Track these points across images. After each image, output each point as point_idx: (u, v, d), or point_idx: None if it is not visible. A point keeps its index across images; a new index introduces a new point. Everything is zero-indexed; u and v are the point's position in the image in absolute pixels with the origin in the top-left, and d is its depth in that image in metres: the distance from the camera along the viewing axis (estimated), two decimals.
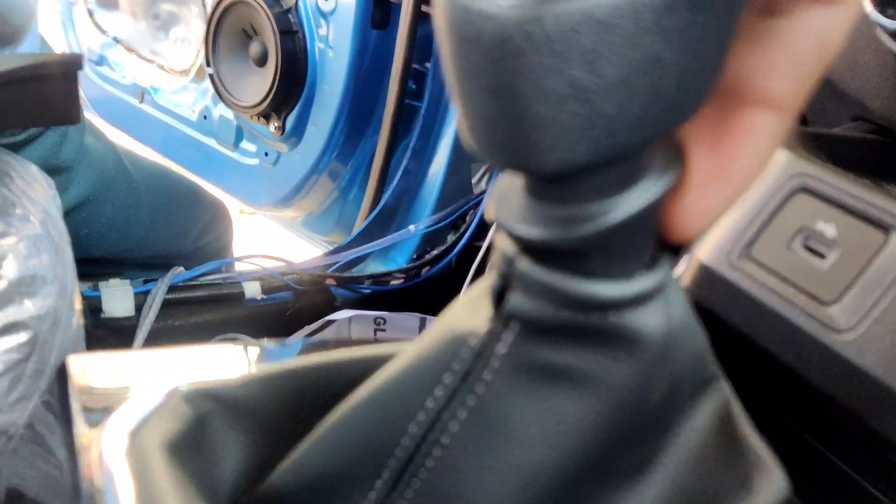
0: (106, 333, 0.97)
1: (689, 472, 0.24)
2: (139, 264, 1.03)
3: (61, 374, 0.32)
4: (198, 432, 0.31)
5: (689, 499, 0.24)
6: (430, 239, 1.11)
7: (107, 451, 0.28)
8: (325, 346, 1.02)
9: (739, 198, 0.20)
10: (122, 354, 0.34)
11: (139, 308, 0.98)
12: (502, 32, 0.16)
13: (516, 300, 0.21)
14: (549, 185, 0.19)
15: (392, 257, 1.15)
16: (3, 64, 0.63)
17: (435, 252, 1.10)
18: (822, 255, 0.37)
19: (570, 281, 0.20)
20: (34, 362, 0.47)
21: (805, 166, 0.39)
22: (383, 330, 1.08)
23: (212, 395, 0.32)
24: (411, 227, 1.11)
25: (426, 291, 1.10)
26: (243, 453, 0.32)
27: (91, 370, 0.33)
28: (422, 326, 1.08)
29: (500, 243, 0.22)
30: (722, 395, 0.24)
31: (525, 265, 0.21)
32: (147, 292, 0.99)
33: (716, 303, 0.39)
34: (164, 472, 0.28)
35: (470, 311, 0.23)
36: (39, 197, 0.65)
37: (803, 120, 0.66)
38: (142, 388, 0.31)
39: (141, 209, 0.98)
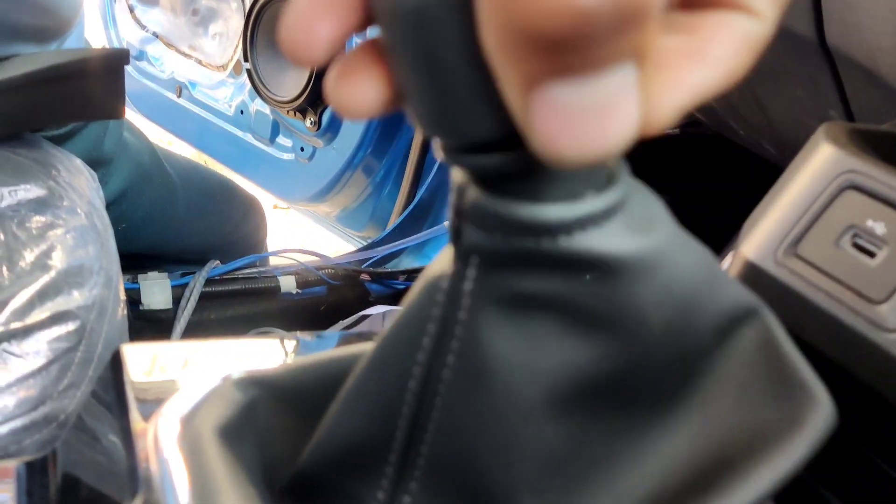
0: (144, 325, 0.98)
1: (730, 402, 0.23)
2: (175, 258, 1.04)
3: (115, 363, 0.33)
4: (247, 417, 0.32)
5: (731, 430, 0.23)
6: None
7: (162, 436, 0.29)
8: (362, 337, 1.02)
9: (719, 87, 0.19)
10: (174, 344, 0.35)
11: (177, 300, 1.00)
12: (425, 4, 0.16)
13: (469, 234, 0.21)
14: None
15: (426, 253, 1.15)
16: (51, 59, 0.64)
17: None
18: (871, 254, 0.36)
19: (514, 206, 0.19)
20: (82, 351, 0.48)
21: (853, 163, 0.39)
22: None
23: (261, 382, 0.32)
24: (446, 222, 1.11)
25: None
26: (289, 437, 0.33)
27: (144, 359, 0.33)
28: None
29: (453, 176, 0.21)
30: (763, 324, 0.24)
31: (473, 195, 0.20)
32: (184, 285, 1.00)
33: (762, 300, 0.39)
34: (216, 455, 0.29)
35: (442, 254, 0.23)
36: (84, 189, 0.66)
37: (850, 116, 0.65)
38: (194, 377, 0.31)
39: (176, 203, 1.00)
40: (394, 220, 1.20)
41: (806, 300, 0.37)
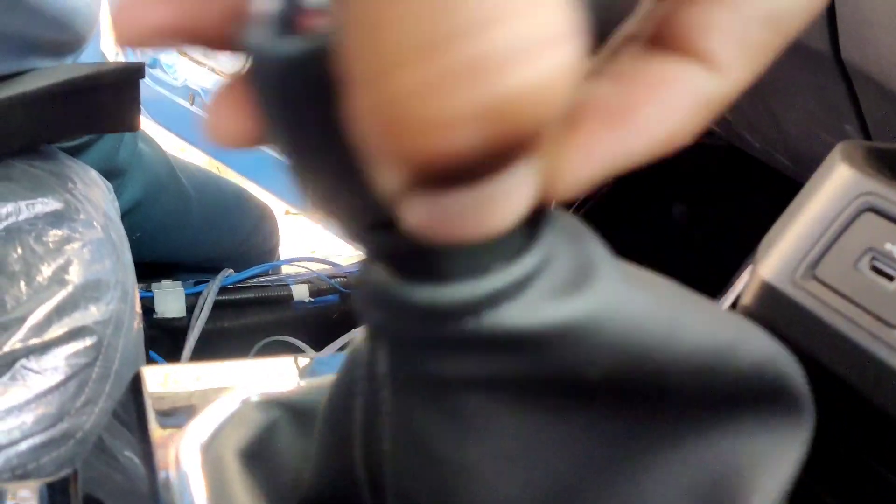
0: (157, 333, 0.99)
1: (711, 445, 0.21)
2: (188, 267, 1.05)
3: (135, 385, 0.33)
4: (268, 439, 0.32)
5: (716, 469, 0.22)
6: None
7: (184, 458, 0.29)
8: None
9: (645, 156, 0.16)
10: (193, 366, 0.35)
11: (190, 309, 1.00)
12: (291, 72, 0.14)
13: (374, 316, 0.19)
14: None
15: None
16: (68, 72, 0.65)
17: None
18: (890, 277, 0.36)
19: (413, 289, 0.17)
20: (99, 366, 0.49)
21: (872, 185, 0.38)
22: None
23: (281, 403, 0.33)
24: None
25: None
26: (308, 457, 0.33)
27: (163, 380, 0.34)
28: None
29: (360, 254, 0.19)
30: (749, 356, 0.21)
31: (375, 275, 0.18)
32: (198, 293, 1.01)
33: (779, 322, 0.39)
34: (237, 478, 0.29)
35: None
36: (100, 201, 0.66)
37: (865, 130, 0.65)
38: (214, 399, 0.31)
39: (190, 212, 1.00)
40: None
41: (823, 323, 0.37)
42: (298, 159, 0.16)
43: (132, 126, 0.68)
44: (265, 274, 1.08)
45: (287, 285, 1.06)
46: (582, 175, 0.16)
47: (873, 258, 0.36)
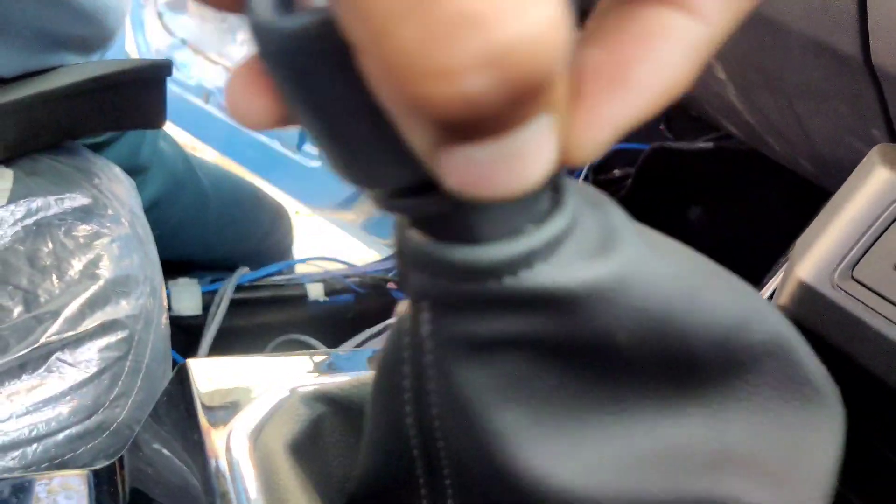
0: (173, 331, 0.99)
1: (743, 412, 0.23)
2: (205, 265, 1.05)
3: (180, 376, 0.33)
4: (314, 433, 0.32)
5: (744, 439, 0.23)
6: None
7: (235, 450, 0.29)
8: None
9: (650, 111, 0.17)
10: (238, 359, 0.35)
11: (206, 307, 1.00)
12: (290, 48, 0.15)
13: (415, 279, 0.20)
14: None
15: None
16: (96, 69, 0.65)
17: None
18: None
19: (453, 250, 0.18)
20: (131, 360, 0.49)
21: None
22: None
23: (326, 397, 0.33)
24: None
25: None
26: (354, 452, 0.33)
27: (209, 373, 0.34)
28: None
29: (395, 223, 0.20)
30: (766, 332, 0.22)
31: (414, 238, 0.19)
32: (214, 292, 1.01)
33: (817, 322, 0.39)
34: (287, 471, 0.29)
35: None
36: (125, 197, 0.66)
37: (893, 135, 0.65)
38: (262, 391, 0.32)
39: (208, 211, 1.00)
40: None
41: (863, 323, 0.37)
42: (323, 131, 0.16)
43: (158, 123, 0.68)
44: (280, 273, 1.08)
45: (302, 284, 1.07)
46: (596, 139, 0.17)
47: None
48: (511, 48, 0.12)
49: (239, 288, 1.02)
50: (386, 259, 1.14)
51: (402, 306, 0.22)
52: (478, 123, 0.13)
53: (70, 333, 0.48)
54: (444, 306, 0.20)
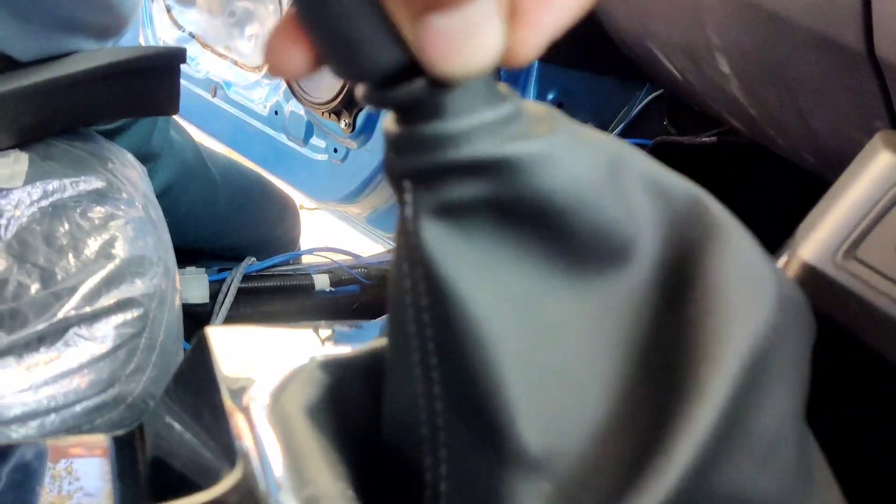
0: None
1: (661, 257, 0.27)
2: (213, 255, 1.06)
3: (200, 344, 0.34)
4: (332, 398, 0.33)
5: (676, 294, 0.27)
6: None
7: (255, 414, 0.30)
8: None
9: (571, 20, 0.22)
10: (258, 328, 0.36)
11: (213, 295, 1.01)
12: None
13: (398, 162, 0.24)
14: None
15: None
16: (111, 56, 0.66)
17: None
18: None
19: (423, 126, 0.23)
20: (146, 337, 0.50)
21: None
22: None
23: (343, 363, 0.34)
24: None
25: None
26: (372, 416, 0.34)
27: (230, 341, 0.35)
28: None
29: (383, 125, 0.25)
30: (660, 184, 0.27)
31: (396, 128, 0.24)
32: (221, 280, 1.02)
33: (821, 302, 0.40)
34: (305, 434, 0.30)
35: None
36: (138, 182, 0.67)
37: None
38: (281, 358, 0.33)
39: (217, 200, 1.01)
40: None
41: (866, 303, 0.38)
42: (334, 38, 0.22)
43: (171, 110, 0.69)
44: (287, 263, 1.09)
45: (308, 274, 1.07)
46: (532, 43, 0.22)
47: None
48: None
49: (246, 277, 1.03)
50: (390, 251, 1.15)
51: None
52: None
53: (87, 309, 0.49)
54: (419, 180, 0.24)
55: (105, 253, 0.53)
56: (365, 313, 1.07)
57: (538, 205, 0.25)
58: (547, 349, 0.26)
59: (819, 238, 0.41)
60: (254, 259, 1.05)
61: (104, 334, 0.49)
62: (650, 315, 0.27)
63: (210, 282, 1.02)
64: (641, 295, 0.27)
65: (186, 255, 1.04)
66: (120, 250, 0.53)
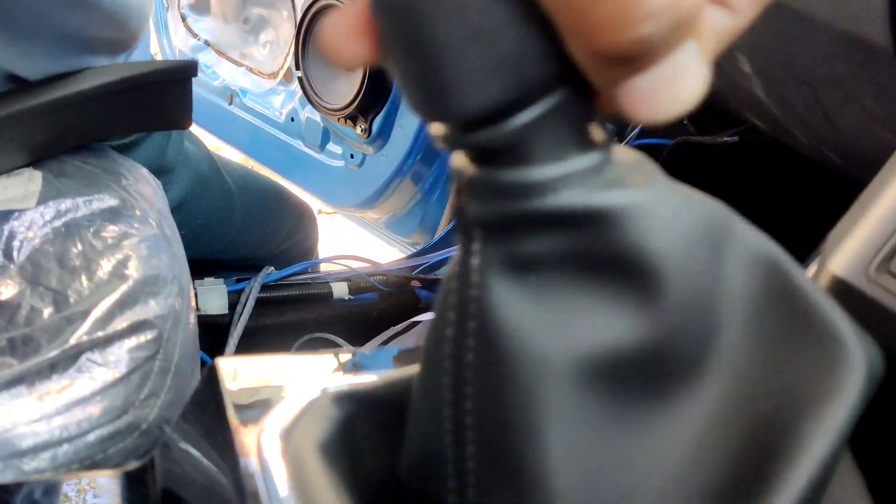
0: (200, 330, 0.99)
1: (757, 354, 0.24)
2: (230, 265, 1.06)
3: (210, 376, 0.33)
4: (344, 433, 0.32)
5: (763, 384, 0.23)
6: None
7: (266, 451, 0.29)
8: (418, 352, 1.03)
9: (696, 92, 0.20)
10: (266, 358, 0.35)
11: (232, 306, 1.01)
12: None
13: (469, 208, 0.22)
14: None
15: None
16: (122, 71, 0.66)
17: None
18: None
19: (504, 172, 0.21)
20: (160, 360, 0.49)
21: None
22: None
23: (356, 397, 0.33)
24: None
25: None
26: (384, 452, 0.33)
27: (240, 372, 0.34)
28: None
29: (452, 162, 0.23)
30: (782, 269, 0.24)
31: (469, 172, 0.22)
32: (240, 291, 1.01)
33: (853, 317, 0.38)
34: (319, 472, 0.29)
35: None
36: (153, 198, 0.67)
37: None
38: (291, 391, 0.32)
39: (233, 211, 1.01)
40: (443, 227, 1.21)
41: None
42: (424, 63, 0.19)
43: (183, 123, 0.69)
44: (305, 272, 1.08)
45: (327, 283, 1.07)
46: (657, 112, 0.20)
47: None
48: (677, 2, 0.17)
49: (265, 287, 1.02)
50: (410, 257, 1.14)
51: (447, 269, 0.24)
52: (646, 55, 0.18)
53: (100, 334, 0.48)
54: (493, 229, 0.22)
55: (118, 273, 0.52)
56: (384, 321, 1.06)
57: (627, 262, 0.22)
58: (607, 450, 0.23)
59: (850, 250, 0.39)
60: (272, 269, 1.05)
61: (117, 359, 0.48)
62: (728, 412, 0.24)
63: (228, 292, 1.02)
64: (715, 400, 0.24)
65: (204, 266, 1.04)
66: (133, 270, 0.53)
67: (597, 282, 0.23)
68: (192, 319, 0.57)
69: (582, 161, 0.21)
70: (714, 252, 0.23)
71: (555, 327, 0.23)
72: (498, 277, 0.22)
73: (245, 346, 0.97)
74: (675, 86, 0.19)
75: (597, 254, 0.22)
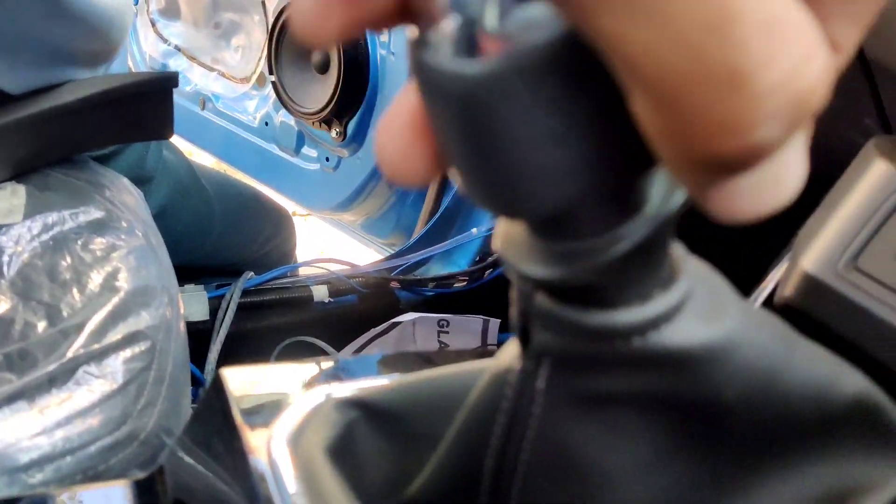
0: None
1: (829, 467, 0.24)
2: (210, 271, 1.06)
3: (216, 385, 0.34)
4: (348, 439, 0.33)
5: (830, 487, 0.24)
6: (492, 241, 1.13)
7: (277, 457, 0.31)
8: (401, 357, 1.04)
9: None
10: (272, 366, 0.36)
11: (213, 312, 1.01)
12: (475, 91, 0.16)
13: (541, 337, 0.21)
14: (548, 226, 0.19)
15: (454, 260, 1.17)
16: (103, 84, 0.66)
17: (496, 255, 1.12)
18: None
19: (587, 314, 0.20)
20: (155, 370, 0.50)
21: None
22: (447, 332, 1.10)
23: (358, 403, 0.34)
24: (474, 230, 1.12)
25: (489, 293, 1.12)
26: (386, 458, 0.34)
27: (245, 382, 0.35)
28: (485, 329, 1.09)
29: (514, 279, 0.21)
30: (860, 391, 0.24)
31: (542, 301, 0.21)
32: (220, 297, 1.02)
33: (823, 313, 0.41)
34: (329, 476, 0.30)
35: (507, 347, 0.24)
36: (136, 208, 0.67)
37: (885, 123, 0.66)
38: (297, 397, 0.33)
39: (212, 217, 1.01)
40: (420, 228, 1.22)
41: (869, 313, 0.39)
42: (492, 169, 0.18)
43: (166, 134, 0.69)
44: (285, 276, 1.09)
45: (307, 286, 1.08)
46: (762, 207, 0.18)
47: None
48: (802, 101, 0.14)
49: (245, 292, 1.03)
50: (388, 259, 1.15)
51: (503, 359, 0.23)
52: (757, 159, 0.15)
53: (95, 346, 0.49)
54: (565, 363, 0.22)
55: (109, 286, 0.53)
56: (364, 322, 1.07)
57: (704, 402, 0.21)
58: None
59: (820, 248, 0.41)
60: (252, 273, 1.05)
61: (114, 370, 0.49)
62: None
63: (209, 298, 1.02)
64: None
65: (184, 272, 1.04)
66: (124, 282, 0.53)
67: (663, 418, 0.22)
68: (182, 328, 0.58)
69: (666, 299, 0.20)
70: (780, 379, 0.22)
71: (619, 448, 0.22)
72: (564, 405, 0.22)
73: (227, 352, 0.98)
74: (779, 183, 0.16)
75: (670, 395, 0.21)
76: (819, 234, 0.43)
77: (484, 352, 1.08)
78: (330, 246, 1.67)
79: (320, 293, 1.08)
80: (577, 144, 0.17)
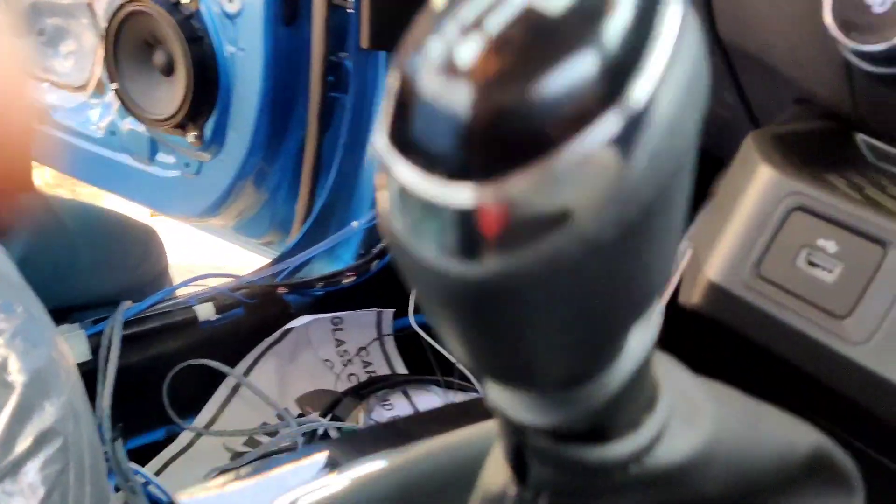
0: None
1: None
2: (85, 307, 1.00)
3: None
4: None
5: None
6: (375, 232, 1.12)
7: None
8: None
9: None
10: (227, 488, 0.35)
11: (95, 350, 0.96)
12: (484, 292, 0.15)
13: (539, 473, 0.22)
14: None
15: (338, 255, 1.15)
16: None
17: (381, 245, 1.11)
18: (828, 270, 0.41)
19: (585, 450, 0.21)
20: (73, 468, 0.46)
21: (795, 185, 0.43)
22: (341, 329, 1.09)
23: None
24: (354, 223, 1.11)
25: (379, 285, 1.11)
26: None
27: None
28: (379, 321, 1.09)
29: (505, 423, 0.22)
30: (816, 448, 0.26)
31: (539, 440, 0.21)
32: (100, 333, 0.96)
33: (732, 320, 0.43)
34: None
35: (496, 466, 0.24)
36: (5, 271, 0.62)
37: (742, 95, 0.70)
38: None
39: (78, 254, 0.95)
40: (298, 227, 1.19)
41: (775, 319, 0.41)
42: (503, 354, 0.18)
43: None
44: (165, 299, 1.04)
45: (190, 307, 1.03)
46: None
47: (809, 254, 0.41)
48: None
49: (126, 323, 0.98)
50: (272, 264, 1.12)
51: (495, 478, 0.24)
52: None
53: (8, 460, 0.45)
54: (563, 494, 0.22)
55: (2, 382, 0.49)
56: (256, 335, 1.04)
57: (691, 502, 0.23)
58: None
59: (723, 257, 0.44)
60: (130, 302, 1.00)
61: (32, 482, 0.45)
62: None
63: (88, 336, 0.96)
64: None
65: (57, 314, 0.97)
66: (17, 373, 0.49)
67: None
68: (86, 405, 0.54)
69: (655, 422, 0.21)
70: (752, 447, 0.24)
71: None
72: None
73: (117, 390, 0.93)
74: None
75: (666, 499, 0.22)
76: (719, 242, 0.45)
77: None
78: (204, 253, 1.61)
79: (205, 312, 1.04)
80: (587, 327, 0.17)
